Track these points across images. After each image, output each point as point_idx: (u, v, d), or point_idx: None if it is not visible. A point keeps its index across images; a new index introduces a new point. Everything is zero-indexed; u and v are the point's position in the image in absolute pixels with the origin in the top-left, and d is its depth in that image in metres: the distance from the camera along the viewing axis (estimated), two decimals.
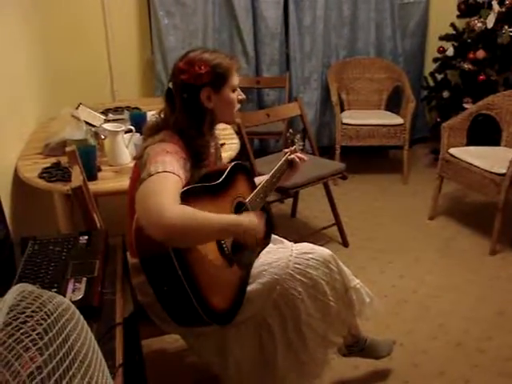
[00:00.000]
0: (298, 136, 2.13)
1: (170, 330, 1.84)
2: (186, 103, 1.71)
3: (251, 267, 1.83)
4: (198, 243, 1.57)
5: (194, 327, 1.77)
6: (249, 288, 1.79)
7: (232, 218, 1.65)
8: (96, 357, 0.71)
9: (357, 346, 2.20)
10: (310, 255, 1.91)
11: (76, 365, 0.63)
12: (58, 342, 0.60)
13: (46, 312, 0.62)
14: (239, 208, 1.76)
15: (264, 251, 1.91)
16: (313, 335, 1.88)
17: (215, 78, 1.70)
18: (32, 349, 0.57)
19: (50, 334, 0.59)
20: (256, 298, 1.79)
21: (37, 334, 0.58)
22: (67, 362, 0.61)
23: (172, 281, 1.50)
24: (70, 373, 0.61)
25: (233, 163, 1.85)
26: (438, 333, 2.57)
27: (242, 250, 1.72)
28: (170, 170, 1.52)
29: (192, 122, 1.71)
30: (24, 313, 0.59)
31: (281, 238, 2.08)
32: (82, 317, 0.74)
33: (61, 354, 0.59)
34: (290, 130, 2.16)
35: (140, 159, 1.64)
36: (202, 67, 1.68)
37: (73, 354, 0.63)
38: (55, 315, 0.64)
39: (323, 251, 1.95)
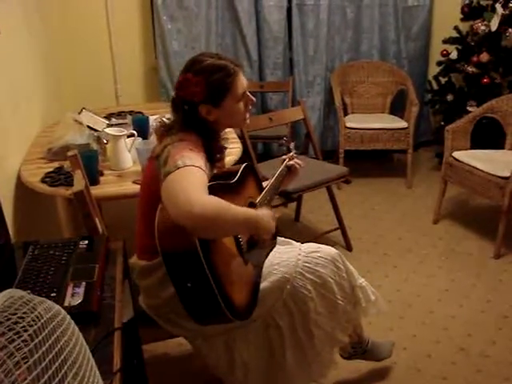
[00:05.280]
0: (293, 144, 2.18)
1: (177, 332, 1.84)
2: (187, 115, 1.71)
3: (262, 267, 1.85)
4: (224, 233, 1.57)
5: (210, 325, 1.76)
6: (260, 287, 1.80)
7: (254, 211, 1.64)
8: (87, 362, 0.71)
9: (360, 347, 2.22)
10: (319, 254, 1.94)
11: (64, 370, 0.62)
12: (45, 347, 0.60)
13: (32, 318, 0.61)
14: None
15: (272, 252, 1.94)
16: (320, 334, 1.90)
17: (212, 95, 1.69)
18: (16, 356, 0.56)
19: (36, 340, 0.59)
20: (267, 296, 1.81)
21: (23, 341, 0.57)
22: (55, 366, 0.61)
23: (197, 276, 1.50)
24: (57, 379, 0.60)
25: (244, 164, 1.86)
26: (442, 337, 2.56)
27: (252, 250, 1.73)
28: (197, 165, 1.53)
29: (195, 131, 1.71)
30: (10, 319, 0.59)
31: (287, 240, 2.11)
32: (73, 322, 0.73)
33: (46, 361, 0.58)
34: (285, 138, 2.22)
35: (158, 158, 1.64)
36: (198, 85, 1.66)
37: (61, 359, 0.62)
38: (43, 320, 0.63)
39: (330, 250, 1.99)
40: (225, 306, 1.53)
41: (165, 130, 1.74)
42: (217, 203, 1.45)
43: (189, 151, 1.58)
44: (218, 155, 1.80)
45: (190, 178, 1.48)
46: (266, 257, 1.90)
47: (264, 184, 2.00)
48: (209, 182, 1.61)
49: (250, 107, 1.83)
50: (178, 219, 1.42)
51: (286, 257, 1.92)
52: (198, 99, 1.68)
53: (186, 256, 1.50)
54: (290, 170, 2.09)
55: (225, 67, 1.71)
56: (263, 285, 1.82)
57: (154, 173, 1.62)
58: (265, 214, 1.63)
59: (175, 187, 1.46)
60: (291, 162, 2.08)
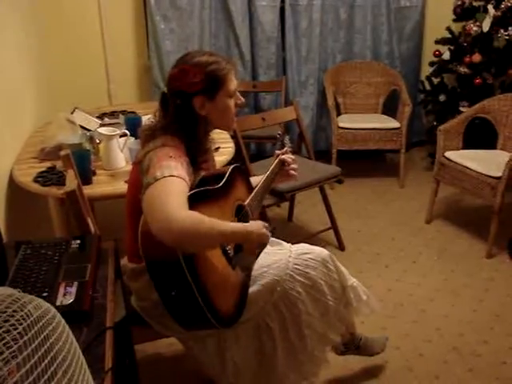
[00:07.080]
0: (287, 138, 2.14)
1: (169, 333, 1.84)
2: (179, 109, 1.70)
3: (251, 269, 1.84)
4: (205, 248, 1.56)
5: (198, 330, 1.77)
6: (250, 290, 1.80)
7: (238, 225, 1.64)
8: (77, 360, 0.71)
9: (353, 344, 2.23)
10: (309, 255, 1.94)
11: (54, 367, 0.63)
12: (34, 344, 0.60)
13: (22, 316, 0.61)
14: (239, 211, 1.77)
15: (263, 253, 1.90)
16: (312, 334, 1.90)
17: (209, 86, 1.68)
18: (5, 353, 0.56)
19: (26, 338, 0.59)
20: (257, 299, 1.81)
21: (12, 339, 0.57)
22: (44, 363, 0.61)
23: (181, 286, 1.49)
24: (47, 376, 0.60)
25: (232, 166, 1.84)
26: (434, 336, 2.57)
27: (240, 253, 1.72)
28: (176, 175, 1.51)
29: (184, 128, 1.71)
30: (0, 316, 0.59)
31: (278, 240, 2.09)
32: (63, 320, 0.73)
33: (36, 358, 0.59)
34: (279, 132, 2.19)
35: (140, 164, 1.63)
36: (196, 75, 1.66)
37: (50, 356, 0.62)
38: (33, 318, 0.63)
39: (321, 251, 1.98)
40: (210, 315, 1.53)
41: (148, 134, 1.72)
42: (196, 219, 1.43)
43: (169, 159, 1.56)
44: (202, 158, 1.77)
45: (168, 191, 1.46)
46: (256, 258, 1.87)
47: (253, 180, 1.99)
48: (195, 186, 1.60)
49: (239, 109, 1.83)
50: (157, 235, 1.42)
51: (277, 259, 1.92)
52: (195, 89, 1.67)
53: (170, 265, 1.49)
54: (283, 167, 2.04)
55: (219, 61, 1.72)
56: (253, 287, 1.82)
57: (139, 178, 1.61)
58: (254, 226, 1.62)
59: (154, 202, 1.46)
60: (284, 157, 2.04)
